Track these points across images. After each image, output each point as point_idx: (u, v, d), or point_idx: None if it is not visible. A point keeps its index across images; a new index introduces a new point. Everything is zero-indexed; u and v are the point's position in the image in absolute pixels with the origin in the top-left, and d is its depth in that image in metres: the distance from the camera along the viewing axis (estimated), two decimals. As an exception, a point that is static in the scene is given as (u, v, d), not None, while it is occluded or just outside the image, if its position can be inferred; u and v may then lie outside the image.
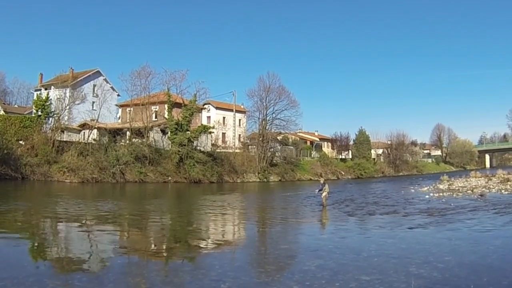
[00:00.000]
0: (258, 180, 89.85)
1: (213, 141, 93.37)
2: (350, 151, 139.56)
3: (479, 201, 39.74)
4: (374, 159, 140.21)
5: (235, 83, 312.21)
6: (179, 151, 74.72)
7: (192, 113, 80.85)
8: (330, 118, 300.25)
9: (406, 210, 35.00)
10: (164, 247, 21.54)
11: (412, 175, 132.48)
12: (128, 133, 79.08)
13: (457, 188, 55.08)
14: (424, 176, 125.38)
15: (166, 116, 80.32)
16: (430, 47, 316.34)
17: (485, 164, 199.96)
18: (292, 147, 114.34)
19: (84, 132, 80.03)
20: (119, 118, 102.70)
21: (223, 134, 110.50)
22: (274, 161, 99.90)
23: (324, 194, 39.00)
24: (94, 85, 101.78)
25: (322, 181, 42.28)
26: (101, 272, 15.32)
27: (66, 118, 77.52)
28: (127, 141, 76.54)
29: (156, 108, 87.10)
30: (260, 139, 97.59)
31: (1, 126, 62.99)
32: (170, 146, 78.23)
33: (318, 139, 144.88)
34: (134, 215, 33.41)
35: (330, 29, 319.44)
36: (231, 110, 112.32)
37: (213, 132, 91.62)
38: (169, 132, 79.34)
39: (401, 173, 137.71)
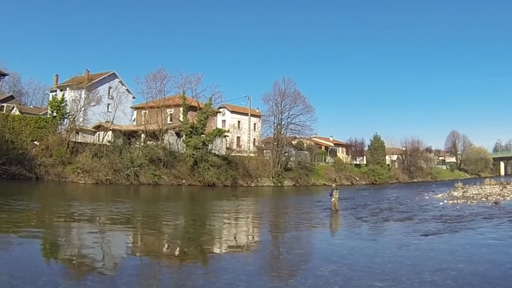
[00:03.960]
0: (272, 184, 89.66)
1: (227, 145, 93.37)
2: (364, 157, 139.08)
3: (494, 209, 39.55)
4: (388, 165, 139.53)
5: (250, 88, 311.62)
6: (193, 154, 74.68)
7: (207, 116, 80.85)
8: (345, 124, 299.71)
9: (420, 217, 34.89)
10: (177, 249, 21.58)
11: (427, 182, 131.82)
12: (142, 135, 79.06)
13: (471, 195, 54.88)
14: (439, 183, 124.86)
15: (181, 119, 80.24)
16: (445, 54, 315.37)
17: (499, 172, 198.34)
18: (306, 152, 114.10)
19: (98, 134, 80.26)
20: (134, 120, 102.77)
21: (238, 138, 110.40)
22: (289, 166, 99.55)
23: (333, 199, 39.34)
24: (110, 87, 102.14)
25: (334, 186, 42.71)
26: (113, 273, 15.36)
27: (81, 119, 77.66)
28: (142, 144, 76.55)
29: (171, 111, 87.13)
30: (275, 143, 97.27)
31: (17, 126, 63.10)
32: (184, 149, 78.28)
33: (332, 145, 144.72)
34: (147, 217, 33.50)
35: (346, 36, 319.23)
36: (246, 114, 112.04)
37: (228, 136, 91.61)
38: (184, 135, 79.42)
39: (415, 180, 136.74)
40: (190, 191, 64.64)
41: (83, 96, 79.83)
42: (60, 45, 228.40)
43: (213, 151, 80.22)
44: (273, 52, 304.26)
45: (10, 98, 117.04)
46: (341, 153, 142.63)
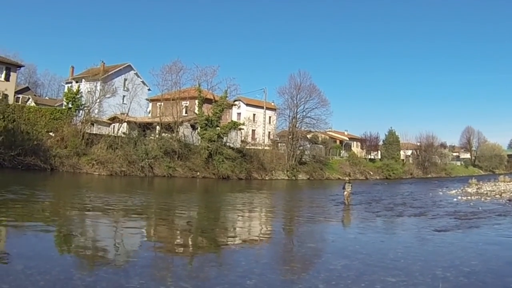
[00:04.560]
0: (286, 178, 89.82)
1: (242, 138, 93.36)
2: (379, 152, 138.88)
3: (508, 206, 39.43)
4: (403, 160, 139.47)
5: (266, 81, 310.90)
6: (208, 146, 74.75)
7: (222, 109, 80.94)
8: (360, 118, 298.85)
9: (434, 213, 34.86)
10: (191, 241, 21.63)
11: (441, 178, 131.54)
12: (158, 127, 79.32)
13: (485, 192, 54.67)
14: (453, 179, 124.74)
15: (196, 111, 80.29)
16: (461, 50, 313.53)
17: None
18: (321, 146, 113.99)
19: (114, 126, 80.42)
20: (149, 112, 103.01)
21: (253, 131, 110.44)
22: (303, 160, 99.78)
23: (345, 193, 39.78)
24: (125, 79, 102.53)
25: (347, 180, 42.90)
26: (127, 264, 15.38)
27: (96, 111, 77.80)
28: (157, 136, 76.78)
29: (186, 103, 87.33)
30: (290, 137, 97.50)
31: (32, 117, 63.45)
32: (199, 142, 78.33)
33: (347, 139, 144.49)
34: (161, 209, 33.58)
35: (362, 30, 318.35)
36: (262, 107, 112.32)
37: (243, 129, 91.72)
38: (199, 128, 79.44)
39: (429, 175, 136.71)
40: (204, 184, 64.77)
41: (98, 87, 79.91)
42: (75, 37, 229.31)
43: (228, 144, 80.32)
44: (289, 46, 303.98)
45: (26, 89, 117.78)
46: (355, 148, 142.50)
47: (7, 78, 73.98)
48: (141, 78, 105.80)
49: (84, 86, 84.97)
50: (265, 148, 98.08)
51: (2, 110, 58.87)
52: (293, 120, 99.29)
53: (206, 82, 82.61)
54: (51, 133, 64.45)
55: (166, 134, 77.08)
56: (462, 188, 62.99)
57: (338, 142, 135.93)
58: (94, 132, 72.29)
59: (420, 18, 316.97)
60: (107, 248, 17.95)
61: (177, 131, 77.53)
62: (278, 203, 46.14)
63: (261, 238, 23.56)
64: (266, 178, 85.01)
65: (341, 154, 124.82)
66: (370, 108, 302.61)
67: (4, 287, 11.70)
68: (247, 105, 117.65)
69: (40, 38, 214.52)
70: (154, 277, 13.90)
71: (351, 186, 41.13)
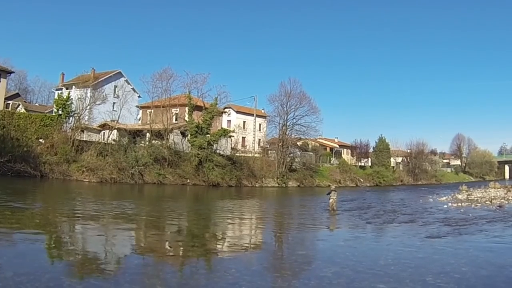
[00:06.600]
0: (276, 185, 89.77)
1: (232, 145, 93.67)
2: (369, 159, 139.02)
3: (498, 212, 39.45)
4: (393, 167, 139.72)
5: (256, 88, 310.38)
6: (198, 154, 74.76)
7: (212, 116, 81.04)
8: (351, 125, 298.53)
9: (424, 219, 34.83)
10: (181, 249, 21.54)
11: (431, 184, 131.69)
12: (148, 134, 79.19)
13: (475, 198, 54.66)
14: (443, 185, 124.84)
15: (186, 118, 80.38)
16: (452, 57, 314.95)
17: (504, 175, 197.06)
18: (311, 153, 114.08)
19: (104, 133, 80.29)
20: (139, 119, 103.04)
21: (243, 138, 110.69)
22: (293, 167, 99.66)
23: (331, 200, 40.11)
24: (115, 86, 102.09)
25: (332, 187, 43.09)
26: (117, 271, 15.37)
27: (86, 118, 77.86)
28: (147, 143, 76.72)
29: (176, 110, 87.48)
30: (280, 144, 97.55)
31: (22, 124, 63.31)
32: (189, 149, 78.31)
33: (337, 146, 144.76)
34: (151, 216, 33.55)
35: (352, 37, 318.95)
36: (252, 115, 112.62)
37: (233, 136, 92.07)
38: (189, 135, 79.43)
39: (420, 182, 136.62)
40: (194, 191, 64.75)
41: (88, 94, 79.81)
42: (66, 43, 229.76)
43: (218, 151, 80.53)
44: (279, 53, 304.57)
45: (16, 95, 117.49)
46: (346, 155, 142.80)
47: (-4, 84, 73.91)
48: (131, 85, 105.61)
49: (74, 93, 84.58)
50: (255, 155, 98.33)
51: (-9, 117, 58.82)
52: (283, 128, 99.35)
53: (197, 89, 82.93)
54: (41, 140, 64.36)
55: (156, 141, 77.04)
56: (452, 194, 62.87)
57: (328, 149, 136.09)
58: (84, 139, 72.18)
59: (411, 25, 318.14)
60: (97, 256, 17.91)
61: (167, 138, 77.61)
62: (268, 210, 46.06)
63: (251, 245, 23.52)
64: (256, 186, 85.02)
65: (332, 161, 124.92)
66: (361, 116, 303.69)
67: (-7, 294, 11.67)
68: (237, 112, 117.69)
69: (30, 44, 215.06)
70: (144, 284, 13.90)
71: (336, 194, 41.25)
